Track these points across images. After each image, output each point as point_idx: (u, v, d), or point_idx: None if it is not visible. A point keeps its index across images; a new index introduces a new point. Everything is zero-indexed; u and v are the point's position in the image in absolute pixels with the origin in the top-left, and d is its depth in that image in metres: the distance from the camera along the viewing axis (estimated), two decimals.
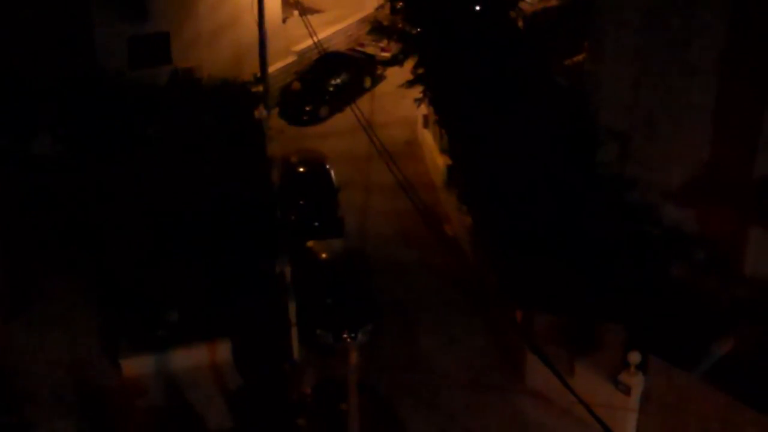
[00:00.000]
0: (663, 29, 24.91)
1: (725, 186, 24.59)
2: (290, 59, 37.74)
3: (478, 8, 29.72)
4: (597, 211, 24.57)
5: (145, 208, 27.70)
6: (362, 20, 40.73)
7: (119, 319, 25.10)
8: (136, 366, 24.05)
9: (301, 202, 29.57)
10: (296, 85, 36.68)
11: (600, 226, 24.12)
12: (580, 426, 22.02)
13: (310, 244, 27.47)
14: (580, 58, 31.17)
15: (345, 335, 24.76)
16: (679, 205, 25.30)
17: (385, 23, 33.70)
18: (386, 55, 37.74)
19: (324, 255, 27.02)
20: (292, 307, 23.96)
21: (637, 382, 21.55)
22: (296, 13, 34.16)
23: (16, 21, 30.72)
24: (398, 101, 35.12)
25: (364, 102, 34.92)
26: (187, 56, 33.81)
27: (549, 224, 23.85)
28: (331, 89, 36.13)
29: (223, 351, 24.49)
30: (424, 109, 32.62)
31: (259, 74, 33.79)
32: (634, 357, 21.31)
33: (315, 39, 27.53)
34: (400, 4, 31.88)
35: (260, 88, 33.55)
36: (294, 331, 24.13)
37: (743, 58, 23.62)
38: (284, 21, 37.94)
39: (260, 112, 32.48)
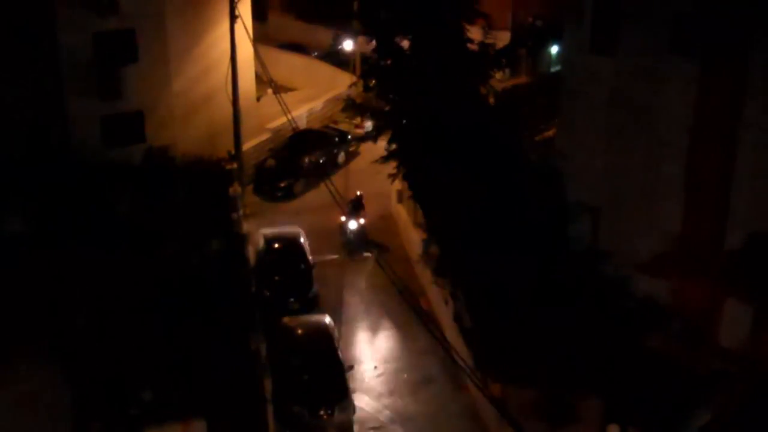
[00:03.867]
0: (631, 104, 25.42)
1: (697, 257, 24.84)
2: (264, 136, 38.05)
3: (449, 85, 30.21)
4: (571, 285, 24.70)
5: (118, 285, 27.55)
6: (335, 98, 41.28)
7: (92, 399, 24.66)
8: None
9: (276, 278, 29.51)
10: (270, 162, 36.92)
11: (575, 299, 24.23)
12: None
13: (285, 320, 27.34)
14: (550, 133, 31.66)
15: (321, 412, 24.51)
16: (652, 277, 25.49)
17: (358, 101, 34.19)
18: (360, 131, 38.20)
19: (299, 331, 26.88)
20: (268, 384, 23.71)
21: None
22: (270, 91, 34.60)
23: None
24: (372, 177, 35.35)
25: (338, 178, 35.15)
26: (161, 134, 33.97)
27: (524, 297, 23.93)
28: (306, 166, 36.38)
29: (198, 430, 24.09)
30: (398, 184, 32.89)
31: (233, 152, 34.04)
32: (613, 430, 21.21)
33: (289, 116, 27.80)
34: (373, 81, 32.37)
35: (234, 166, 33.77)
36: (269, 409, 23.84)
37: (710, 131, 24.11)
38: (258, 99, 38.37)
39: (235, 189, 32.63)
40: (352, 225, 32.14)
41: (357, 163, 37.90)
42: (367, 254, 31.67)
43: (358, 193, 32.82)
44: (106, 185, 31.52)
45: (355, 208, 32.37)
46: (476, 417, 25.12)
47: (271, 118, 37.64)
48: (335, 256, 31.88)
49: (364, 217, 32.44)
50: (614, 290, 25.41)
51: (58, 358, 26.21)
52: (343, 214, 31.46)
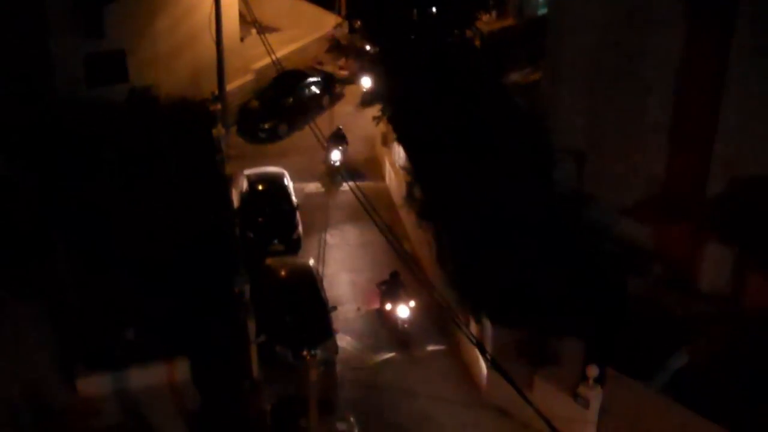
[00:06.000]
0: (618, 49, 25.31)
1: (680, 203, 24.97)
2: (248, 77, 37.73)
3: (435, 27, 30.02)
4: (555, 228, 24.81)
5: (101, 226, 27.49)
6: (320, 39, 40.90)
7: (75, 338, 24.75)
8: (93, 385, 23.71)
9: (260, 220, 29.49)
10: (254, 103, 36.65)
11: (558, 243, 24.36)
12: None
13: (268, 261, 27.39)
14: (536, 77, 31.55)
15: (304, 352, 24.66)
16: (635, 221, 25.63)
17: (343, 42, 33.91)
18: (344, 73, 37.91)
19: (283, 273, 26.95)
20: (251, 325, 23.80)
21: (595, 395, 21.70)
22: (254, 31, 34.22)
23: None
24: (357, 119, 35.23)
25: (322, 120, 34.95)
26: (144, 74, 33.62)
27: (507, 239, 24.02)
28: (290, 107, 36.15)
29: (182, 369, 24.24)
30: (382, 127, 32.77)
31: (217, 92, 33.76)
32: (593, 370, 21.45)
33: (273, 57, 27.51)
34: (358, 23, 32.11)
35: (218, 107, 33.50)
36: (253, 349, 23.97)
37: (697, 77, 24.07)
38: (242, 40, 37.96)
39: (218, 130, 32.42)
40: (336, 155, 31.98)
41: (342, 106, 37.67)
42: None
43: (339, 126, 32.99)
44: (89, 125, 31.29)
45: (336, 140, 32.38)
46: (458, 357, 25.35)
47: (256, 59, 37.27)
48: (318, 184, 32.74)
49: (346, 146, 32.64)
50: (598, 234, 25.55)
51: (43, 297, 26.26)
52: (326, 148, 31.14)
